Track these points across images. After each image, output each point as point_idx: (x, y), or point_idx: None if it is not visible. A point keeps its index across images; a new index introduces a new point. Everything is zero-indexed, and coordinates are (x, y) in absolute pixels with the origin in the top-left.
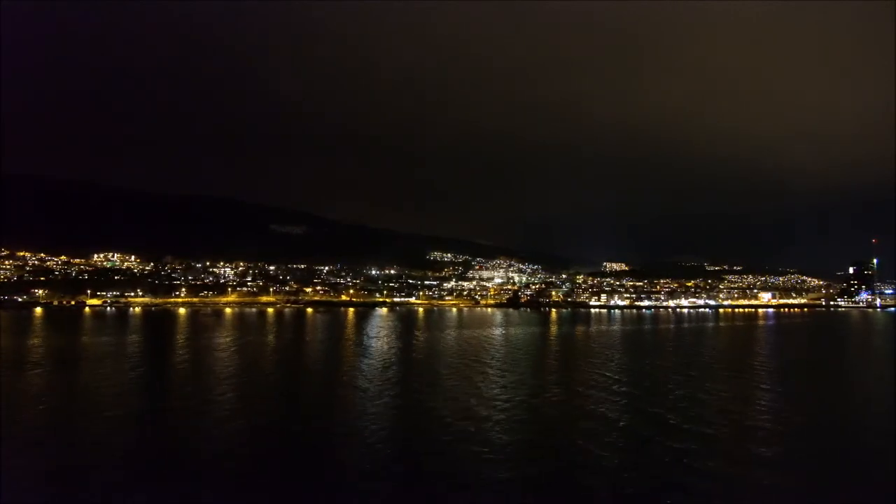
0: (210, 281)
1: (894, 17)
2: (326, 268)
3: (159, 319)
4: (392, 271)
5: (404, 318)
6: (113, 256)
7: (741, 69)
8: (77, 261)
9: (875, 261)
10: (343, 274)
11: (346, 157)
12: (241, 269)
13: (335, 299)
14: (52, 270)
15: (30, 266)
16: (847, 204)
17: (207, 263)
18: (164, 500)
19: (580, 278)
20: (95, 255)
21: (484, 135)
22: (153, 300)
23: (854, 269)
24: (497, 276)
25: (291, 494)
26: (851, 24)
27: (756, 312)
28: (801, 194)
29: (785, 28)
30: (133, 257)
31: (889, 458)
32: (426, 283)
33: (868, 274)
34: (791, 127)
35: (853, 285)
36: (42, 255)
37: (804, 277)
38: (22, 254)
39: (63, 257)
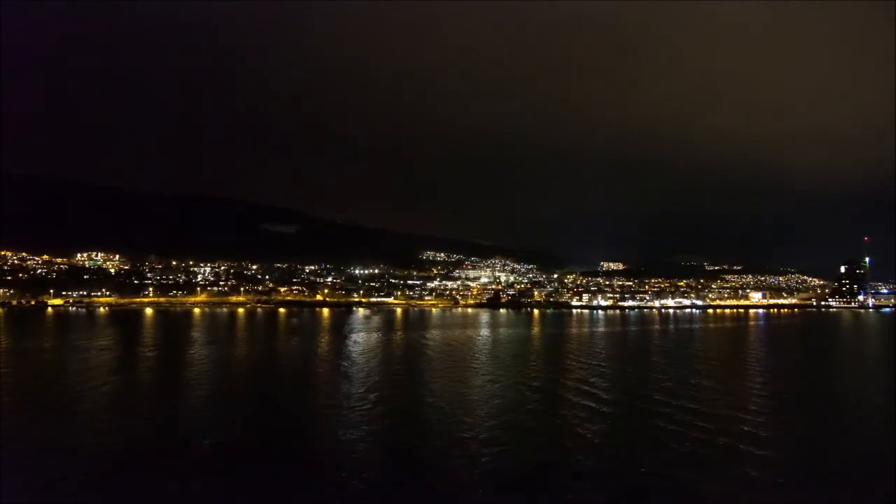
0: (182, 280)
1: (894, 17)
2: (309, 267)
3: (96, 321)
4: (376, 270)
5: (364, 319)
6: (96, 256)
7: (741, 69)
8: (59, 260)
9: (867, 259)
10: (324, 273)
11: (344, 156)
12: (222, 268)
13: (309, 299)
14: (27, 269)
15: (8, 266)
16: (848, 203)
17: (190, 263)
18: None
19: (570, 278)
20: (79, 255)
21: (485, 135)
22: (118, 300)
23: (846, 269)
24: (483, 276)
25: None
26: (851, 24)
27: (744, 313)
28: (801, 193)
29: (785, 28)
30: (117, 256)
31: None
32: (409, 282)
33: (860, 273)
34: (792, 127)
35: (845, 285)
36: (24, 254)
37: (804, 277)
38: (3, 253)
39: (45, 256)
